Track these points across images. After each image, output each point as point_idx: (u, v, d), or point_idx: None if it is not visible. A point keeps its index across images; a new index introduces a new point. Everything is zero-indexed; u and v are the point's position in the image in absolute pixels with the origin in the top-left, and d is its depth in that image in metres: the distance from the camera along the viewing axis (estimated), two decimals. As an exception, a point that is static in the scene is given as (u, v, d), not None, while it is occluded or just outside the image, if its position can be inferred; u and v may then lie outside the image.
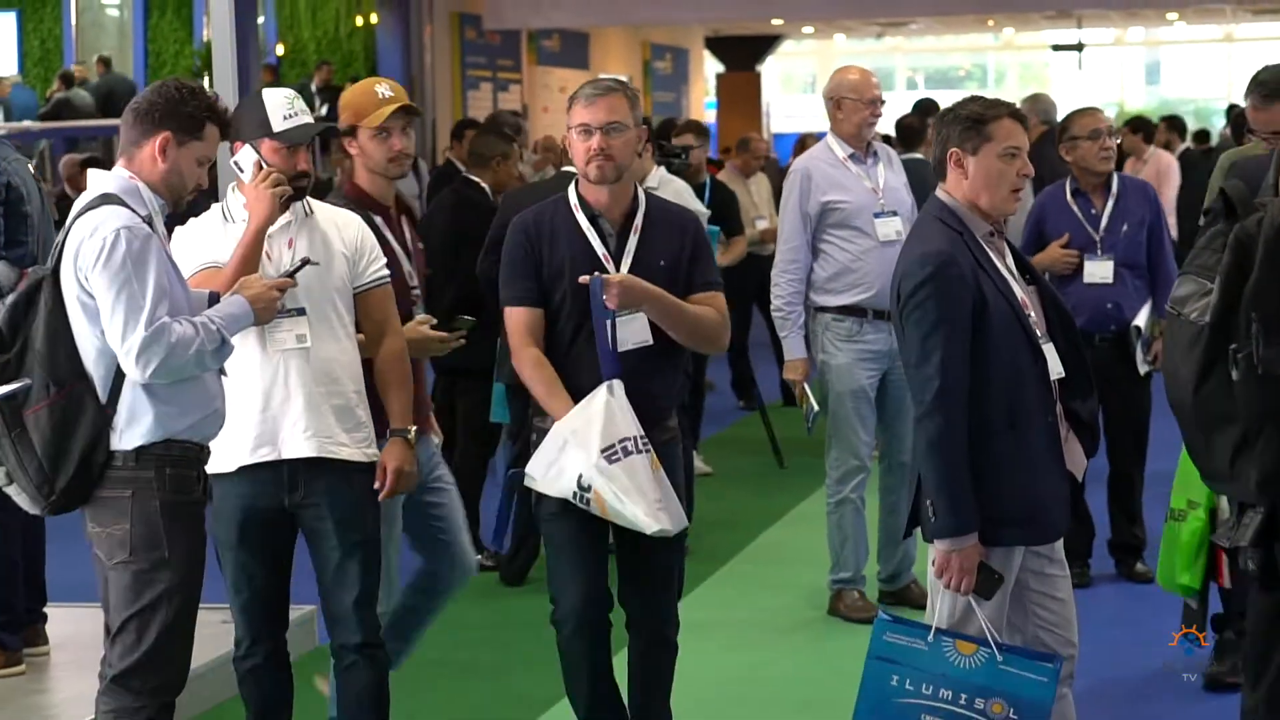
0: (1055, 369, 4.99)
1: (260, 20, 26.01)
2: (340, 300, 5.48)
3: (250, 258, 5.34)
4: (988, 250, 4.99)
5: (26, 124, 23.29)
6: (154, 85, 5.11)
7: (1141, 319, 8.11)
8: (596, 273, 5.53)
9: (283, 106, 5.48)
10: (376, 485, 5.48)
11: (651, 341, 5.59)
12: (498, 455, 9.20)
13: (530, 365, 5.62)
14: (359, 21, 25.68)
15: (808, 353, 7.97)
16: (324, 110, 23.43)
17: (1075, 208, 8.24)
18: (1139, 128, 16.76)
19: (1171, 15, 36.38)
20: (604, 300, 5.49)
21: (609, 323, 5.52)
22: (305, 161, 5.48)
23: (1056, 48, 38.15)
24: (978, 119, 4.98)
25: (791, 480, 11.18)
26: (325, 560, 5.46)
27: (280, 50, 25.52)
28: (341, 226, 5.56)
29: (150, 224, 4.93)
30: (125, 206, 4.89)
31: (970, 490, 4.85)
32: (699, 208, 9.13)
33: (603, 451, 5.40)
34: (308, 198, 5.57)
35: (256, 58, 20.15)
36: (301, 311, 5.38)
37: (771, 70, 42.66)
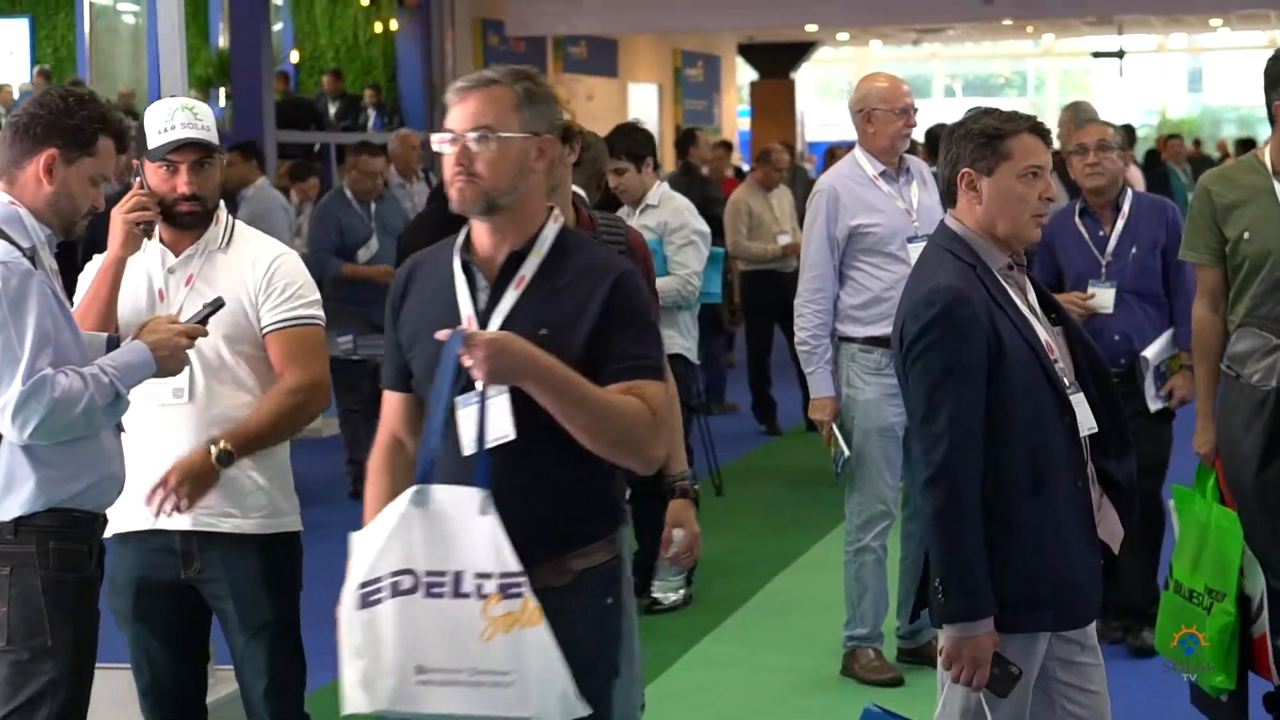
0: (1086, 423, 4.28)
1: (278, 27, 25.49)
2: (231, 347, 4.75)
3: (102, 294, 4.67)
4: (1005, 286, 4.29)
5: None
6: (35, 95, 4.44)
7: (1153, 350, 7.27)
8: (461, 327, 3.83)
9: (161, 119, 4.77)
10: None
11: (513, 436, 3.79)
12: None
13: (369, 473, 4.09)
14: (378, 28, 25.05)
15: (835, 389, 7.18)
16: (338, 118, 22.86)
17: (1083, 230, 7.41)
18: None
19: (1215, 21, 35.61)
20: (467, 368, 3.76)
21: (477, 405, 3.78)
22: (191, 183, 4.73)
23: (1097, 55, 37.50)
24: (993, 134, 4.27)
25: (810, 515, 10.45)
26: (231, 644, 4.77)
27: (295, 58, 24.90)
28: (257, 259, 4.82)
29: (34, 258, 4.25)
30: (3, 238, 4.22)
31: (985, 568, 4.14)
32: (701, 227, 8.42)
33: (360, 587, 3.72)
34: (235, 223, 4.87)
35: (270, 66, 19.54)
36: None
37: (806, 77, 42.00)
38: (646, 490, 8.29)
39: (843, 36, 38.08)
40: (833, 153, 17.27)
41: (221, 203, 4.88)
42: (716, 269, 8.74)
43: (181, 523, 4.65)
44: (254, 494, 4.75)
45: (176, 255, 4.76)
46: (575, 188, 5.38)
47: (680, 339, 8.36)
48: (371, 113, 23.83)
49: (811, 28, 33.74)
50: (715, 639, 8.02)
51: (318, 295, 4.90)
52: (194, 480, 4.59)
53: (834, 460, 7.20)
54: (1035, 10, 30.04)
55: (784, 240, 13.22)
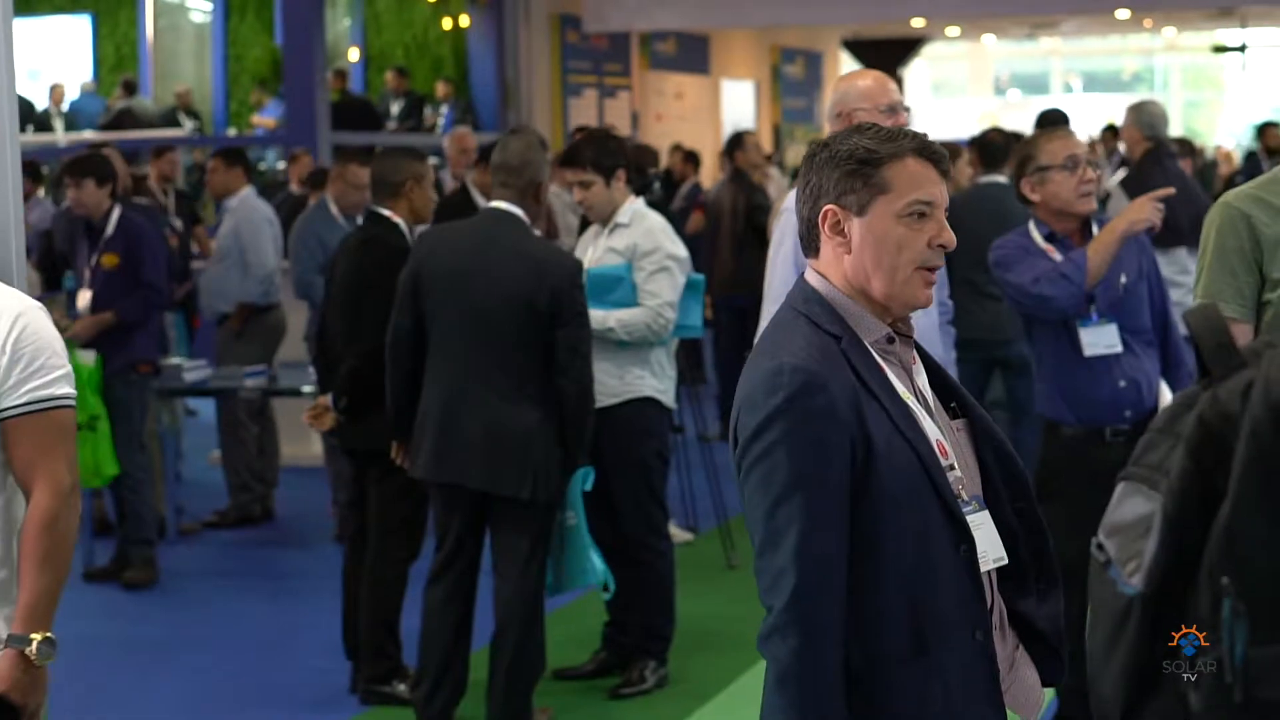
0: (992, 553, 3.14)
1: (347, 23, 24.55)
2: None
3: None
4: (882, 365, 3.15)
5: (88, 134, 21.95)
6: None
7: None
8: None
9: None
10: None
11: None
12: None
13: None
14: (448, 24, 24.02)
15: None
16: (400, 118, 21.87)
17: (1058, 259, 6.08)
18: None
19: (1342, 13, 33.93)
20: None
21: None
22: None
23: (1217, 49, 35.93)
24: (865, 159, 3.14)
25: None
26: None
27: (354, 55, 23.93)
28: None
29: None
30: None
31: None
32: (677, 251, 7.29)
33: None
34: None
35: (324, 63, 18.55)
36: None
37: (919, 74, 40.72)
38: (624, 556, 7.27)
39: (953, 32, 36.80)
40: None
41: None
42: (697, 299, 7.57)
43: None
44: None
45: None
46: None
47: (652, 379, 7.25)
48: (445, 109, 22.83)
49: (918, 22, 32.63)
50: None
51: (69, 368, 3.82)
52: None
53: None
54: (1152, 2, 28.66)
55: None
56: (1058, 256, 6.04)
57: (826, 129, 5.91)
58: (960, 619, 3.07)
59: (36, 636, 3.64)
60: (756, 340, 3.35)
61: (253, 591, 9.15)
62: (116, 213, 9.33)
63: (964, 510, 3.09)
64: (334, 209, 10.14)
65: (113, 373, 9.18)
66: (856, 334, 3.14)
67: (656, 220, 7.36)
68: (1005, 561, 3.14)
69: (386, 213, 7.19)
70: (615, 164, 7.28)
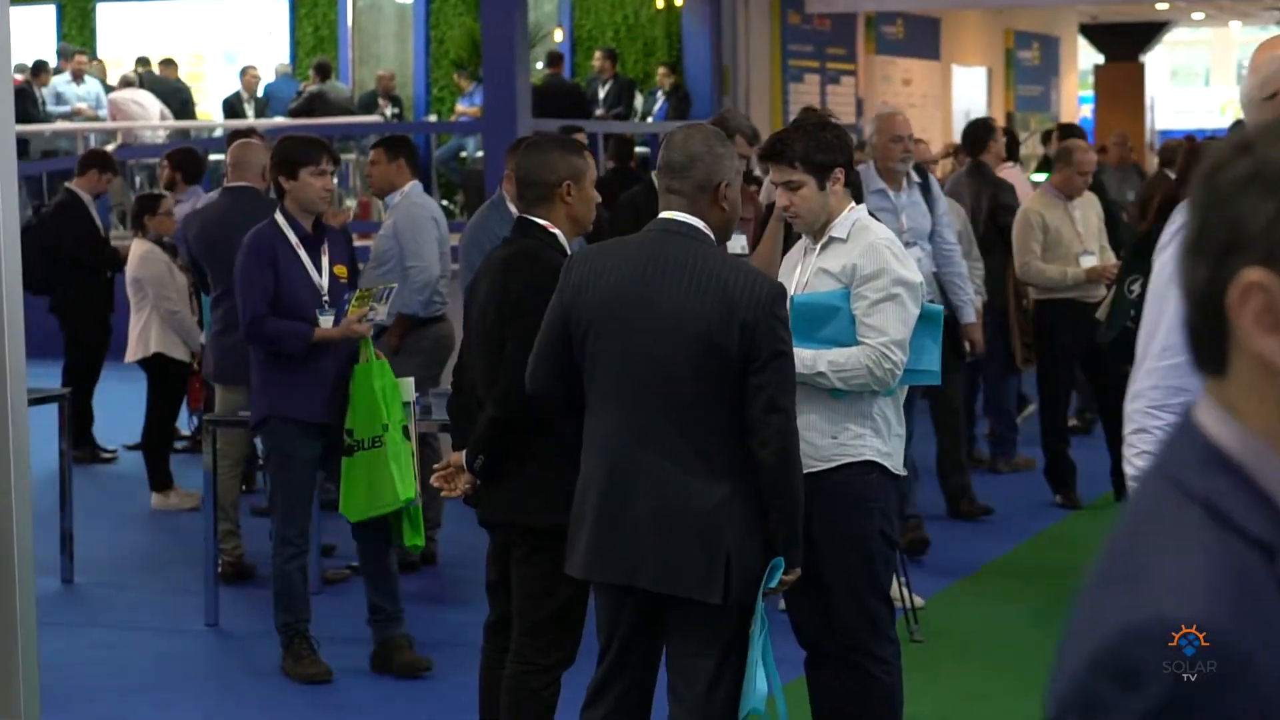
0: None
1: (554, 1, 23.21)
2: None
3: None
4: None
5: (279, 120, 20.80)
6: None
7: None
8: None
9: None
10: None
11: None
12: None
13: None
14: (660, 3, 22.52)
15: None
16: (607, 104, 20.45)
17: None
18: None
19: None
20: None
21: None
22: None
23: None
24: None
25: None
26: None
27: (559, 37, 22.53)
28: None
29: None
30: None
31: None
32: (909, 274, 5.66)
33: None
34: None
35: (525, 45, 17.19)
36: None
37: (1158, 61, 38.74)
38: (836, 666, 5.70)
39: (1198, 16, 34.90)
40: (1183, 143, 14.26)
41: None
42: (934, 335, 5.92)
43: None
44: None
45: None
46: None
47: (874, 438, 5.63)
48: (660, 98, 21.38)
49: (1162, 6, 31.04)
50: None
51: None
52: None
53: None
54: None
55: (1088, 262, 10.40)
56: None
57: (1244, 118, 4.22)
58: None
59: None
60: (1104, 551, 1.73)
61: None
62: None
63: None
64: (512, 207, 8.58)
65: None
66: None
67: (882, 234, 5.75)
68: None
69: (541, 221, 5.67)
70: (831, 161, 5.69)
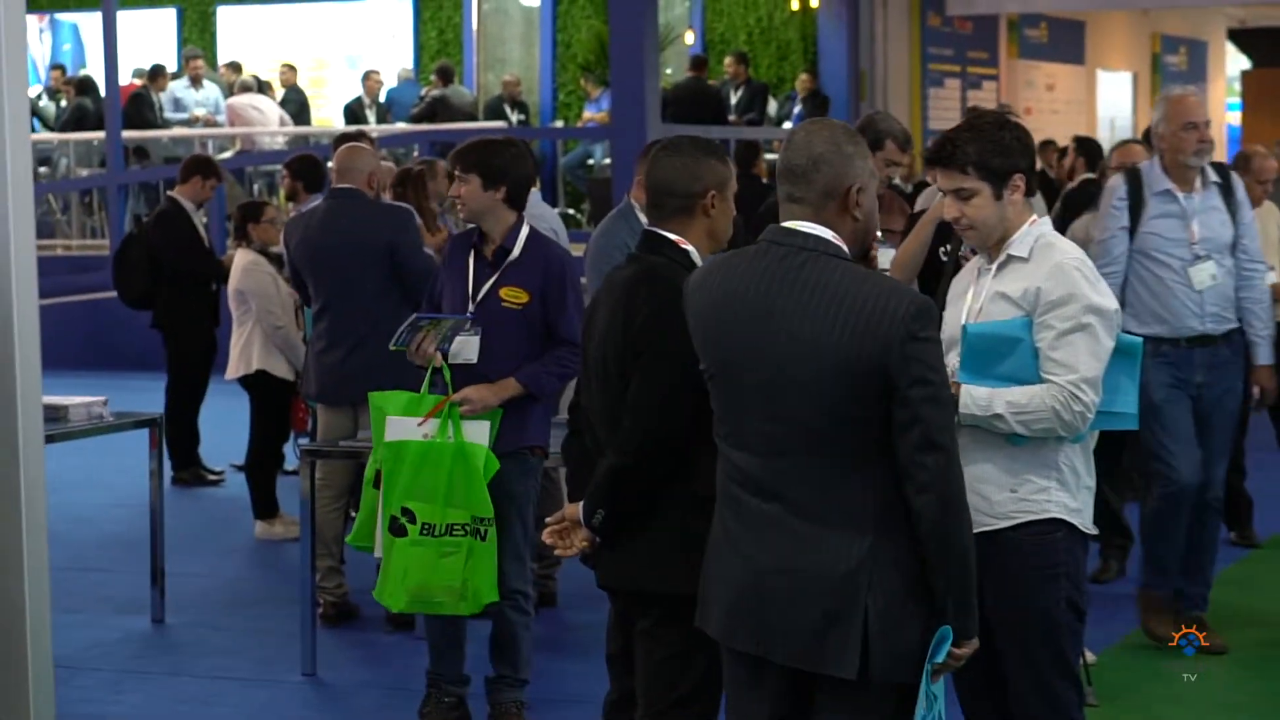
0: None
1: (686, 4, 22.52)
2: None
3: None
4: None
5: (400, 126, 20.20)
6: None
7: None
8: None
9: None
10: None
11: None
12: None
13: None
14: (795, 5, 21.73)
15: None
16: (739, 109, 19.70)
17: None
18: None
19: None
20: None
21: None
22: None
23: None
24: None
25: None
26: None
27: (690, 39, 21.80)
28: None
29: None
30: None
31: None
32: (1103, 301, 4.82)
33: None
34: None
35: (655, 48, 16.51)
36: None
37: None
38: None
39: (1355, 20, 33.89)
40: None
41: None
42: (1131, 372, 5.05)
43: None
44: None
45: None
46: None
47: (1060, 491, 4.79)
48: (798, 103, 20.61)
49: (1317, 9, 30.13)
50: None
51: None
52: None
53: None
54: None
55: (1270, 278, 9.49)
56: None
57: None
58: None
59: None
60: None
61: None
62: (524, 231, 6.85)
63: None
64: (642, 217, 7.78)
65: (502, 455, 6.66)
66: None
67: (1071, 252, 4.91)
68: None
69: (672, 236, 4.88)
70: (1010, 166, 4.88)
